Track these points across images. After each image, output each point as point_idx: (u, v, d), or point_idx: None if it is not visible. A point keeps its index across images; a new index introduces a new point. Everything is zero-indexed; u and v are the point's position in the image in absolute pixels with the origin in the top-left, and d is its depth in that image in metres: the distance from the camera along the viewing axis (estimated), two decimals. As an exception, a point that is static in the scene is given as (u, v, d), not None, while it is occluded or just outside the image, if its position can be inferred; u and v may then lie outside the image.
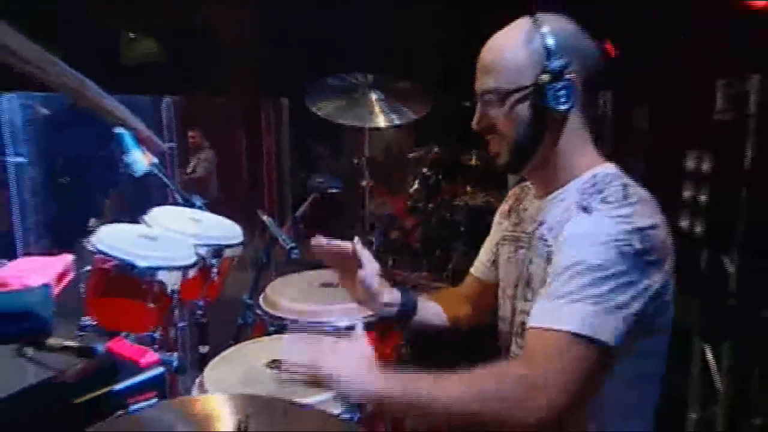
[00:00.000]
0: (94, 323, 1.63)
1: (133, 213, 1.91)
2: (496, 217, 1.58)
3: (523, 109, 1.25)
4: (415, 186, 4.57)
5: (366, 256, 1.50)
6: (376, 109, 2.91)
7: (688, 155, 2.86)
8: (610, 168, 1.29)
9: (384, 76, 2.99)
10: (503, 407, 1.08)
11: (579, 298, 1.09)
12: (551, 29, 1.23)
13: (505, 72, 1.25)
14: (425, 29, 3.68)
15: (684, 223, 2.85)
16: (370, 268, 1.49)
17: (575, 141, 1.29)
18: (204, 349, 2.17)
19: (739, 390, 2.92)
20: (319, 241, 1.51)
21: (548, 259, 1.25)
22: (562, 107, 1.21)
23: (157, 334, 1.67)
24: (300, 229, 2.54)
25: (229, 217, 2.20)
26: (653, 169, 3.09)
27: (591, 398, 1.16)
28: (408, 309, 1.55)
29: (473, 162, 4.86)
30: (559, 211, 1.28)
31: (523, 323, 1.31)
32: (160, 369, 1.21)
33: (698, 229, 2.81)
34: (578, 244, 1.15)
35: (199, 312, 1.97)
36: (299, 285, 2.18)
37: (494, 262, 1.55)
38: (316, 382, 1.22)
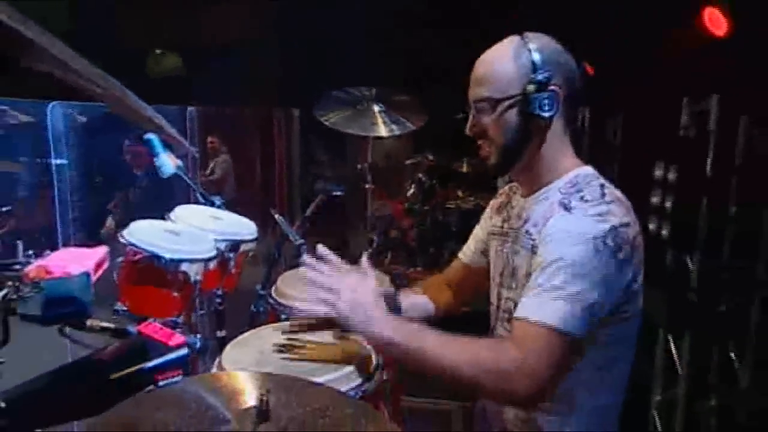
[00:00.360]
0: (126, 309, 1.64)
1: (147, 210, 1.92)
2: (487, 211, 1.60)
3: (512, 116, 1.28)
4: (412, 190, 4.60)
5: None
6: (379, 120, 2.94)
7: (656, 166, 2.89)
8: (589, 170, 1.33)
9: (386, 89, 3.02)
10: (496, 380, 1.14)
11: (559, 296, 1.14)
12: (537, 46, 1.27)
13: (496, 83, 1.29)
14: (424, 49, 3.71)
15: (652, 227, 2.88)
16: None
17: (557, 145, 1.32)
18: (221, 333, 2.18)
19: (698, 375, 2.95)
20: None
21: (532, 251, 1.28)
22: (546, 114, 1.24)
23: (180, 319, 1.68)
24: (308, 228, 2.55)
25: (244, 215, 2.22)
26: (625, 178, 3.11)
27: (563, 379, 1.23)
28: (392, 307, 1.52)
29: (465, 169, 4.90)
30: (543, 208, 1.31)
31: (509, 309, 1.36)
32: (185, 350, 1.23)
33: (664, 231, 2.84)
34: (560, 241, 1.19)
35: (218, 300, 1.98)
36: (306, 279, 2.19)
37: (483, 252, 1.57)
38: (329, 322, 1.28)
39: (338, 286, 1.24)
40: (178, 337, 1.22)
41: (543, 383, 1.14)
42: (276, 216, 2.28)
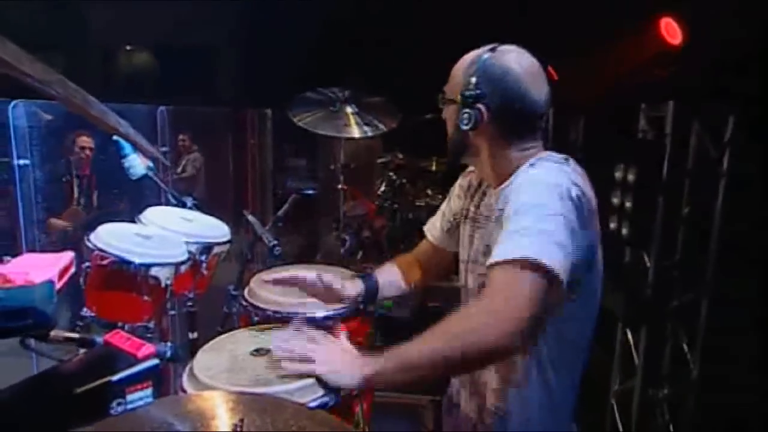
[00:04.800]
0: (93, 315, 1.54)
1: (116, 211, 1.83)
2: (455, 189, 1.55)
3: (452, 117, 1.32)
4: (382, 188, 4.54)
5: (326, 279, 1.53)
6: (352, 121, 2.86)
7: (616, 167, 2.91)
8: (552, 153, 1.29)
9: (358, 91, 2.95)
10: (472, 336, 1.04)
11: (527, 232, 1.08)
12: (489, 64, 1.26)
13: (450, 83, 1.32)
14: (395, 50, 3.65)
15: (612, 225, 2.89)
16: (328, 281, 1.53)
17: (500, 147, 1.29)
18: (193, 335, 2.09)
19: (652, 365, 2.99)
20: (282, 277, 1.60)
21: (498, 222, 1.23)
22: (464, 128, 1.25)
23: (151, 324, 1.59)
24: (281, 228, 2.46)
25: (215, 214, 2.12)
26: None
27: (542, 329, 1.17)
28: (372, 291, 1.56)
29: (433, 167, 4.87)
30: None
31: (483, 284, 1.29)
32: (155, 360, 1.14)
33: (624, 230, 2.85)
34: (525, 190, 1.16)
35: (189, 303, 1.88)
36: (280, 279, 2.10)
37: (448, 231, 1.54)
38: (306, 370, 1.20)
39: (311, 354, 1.20)
40: (148, 347, 1.13)
41: (522, 318, 1.02)
42: (249, 217, 2.18)
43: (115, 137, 1.62)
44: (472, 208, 1.45)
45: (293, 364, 1.21)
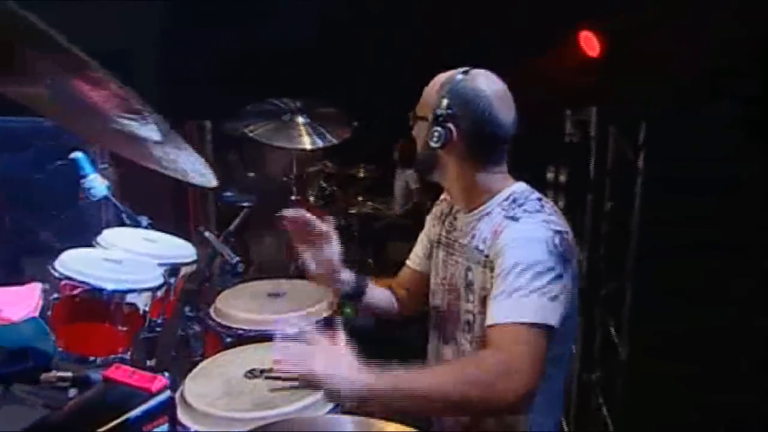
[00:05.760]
0: (61, 350, 1.40)
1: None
2: (430, 219, 1.63)
3: (422, 134, 1.39)
4: (312, 198, 4.49)
5: (334, 237, 1.51)
6: (303, 132, 2.82)
7: (548, 169, 3.11)
8: (523, 185, 1.40)
9: (310, 101, 2.91)
10: (486, 390, 1.11)
11: (527, 293, 1.17)
12: (461, 86, 1.33)
13: (422, 101, 1.40)
14: (330, 59, 3.63)
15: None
16: (336, 246, 1.51)
17: (468, 167, 1.37)
18: (151, 362, 1.96)
19: (586, 351, 3.22)
20: (297, 212, 1.52)
21: (485, 266, 1.32)
22: (433, 145, 1.33)
23: (127, 356, 1.47)
24: (233, 243, 2.37)
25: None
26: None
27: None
28: (361, 287, 1.57)
29: (361, 174, 4.88)
30: (488, 225, 1.35)
31: (468, 321, 1.40)
32: (168, 393, 1.07)
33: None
34: (515, 249, 1.23)
35: (158, 329, 1.76)
36: (247, 296, 2.04)
37: (429, 256, 1.60)
38: (307, 386, 1.19)
39: (310, 360, 1.16)
40: (160, 380, 1.06)
41: (531, 381, 1.12)
42: (206, 233, 2.08)
43: (73, 155, 1.49)
44: (444, 233, 1.54)
45: (291, 367, 1.18)
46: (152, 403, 1.02)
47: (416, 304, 1.69)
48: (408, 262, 1.70)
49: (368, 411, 1.19)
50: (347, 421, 0.70)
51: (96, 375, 1.12)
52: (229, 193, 3.11)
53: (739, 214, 2.57)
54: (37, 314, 1.19)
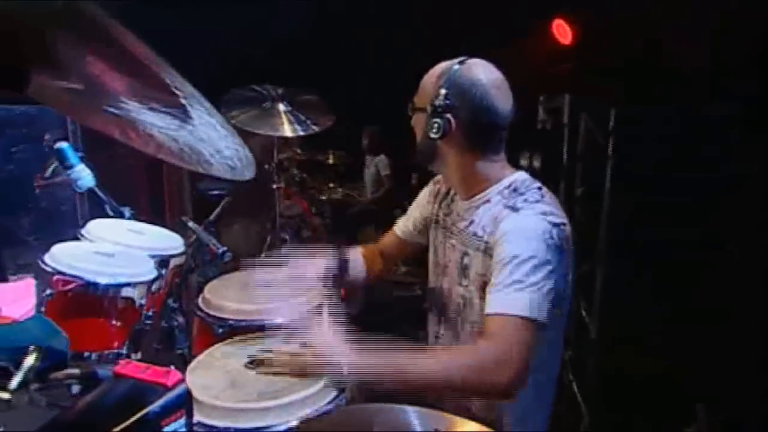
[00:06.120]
0: (54, 346, 1.36)
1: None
2: (425, 195, 1.66)
3: (420, 125, 1.39)
4: (283, 185, 4.46)
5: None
6: (284, 119, 2.77)
7: (522, 155, 3.17)
8: (524, 175, 1.42)
9: (292, 88, 2.85)
10: (481, 376, 1.18)
11: (521, 288, 1.22)
12: (458, 75, 1.33)
13: (419, 92, 1.41)
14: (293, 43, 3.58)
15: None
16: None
17: (467, 156, 1.39)
18: (137, 355, 1.92)
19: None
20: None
21: (485, 252, 1.35)
22: (433, 136, 1.34)
23: (124, 350, 1.44)
24: (213, 233, 2.32)
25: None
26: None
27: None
28: (343, 263, 1.63)
29: (331, 160, 4.88)
30: (488, 212, 1.38)
31: (460, 304, 1.45)
32: (184, 386, 1.06)
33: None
34: (514, 241, 1.26)
35: (148, 322, 1.72)
36: (237, 287, 2.01)
37: (418, 231, 1.66)
38: (305, 371, 1.25)
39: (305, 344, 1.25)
40: (174, 374, 1.04)
41: (522, 370, 1.19)
42: (190, 223, 2.04)
43: (58, 145, 1.43)
44: (441, 215, 1.56)
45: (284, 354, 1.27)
46: (169, 397, 1.00)
47: (387, 269, 1.78)
48: (395, 228, 1.74)
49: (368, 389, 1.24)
50: (411, 410, 0.72)
51: (104, 371, 1.09)
52: (203, 184, 3.04)
53: (730, 209, 2.65)
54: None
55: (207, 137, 0.78)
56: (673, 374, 2.76)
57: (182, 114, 0.76)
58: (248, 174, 0.88)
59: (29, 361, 0.73)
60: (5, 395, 0.67)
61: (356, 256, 1.70)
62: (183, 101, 0.72)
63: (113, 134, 0.88)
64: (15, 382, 0.69)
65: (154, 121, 0.85)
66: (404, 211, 1.78)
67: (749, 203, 2.48)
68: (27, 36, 0.58)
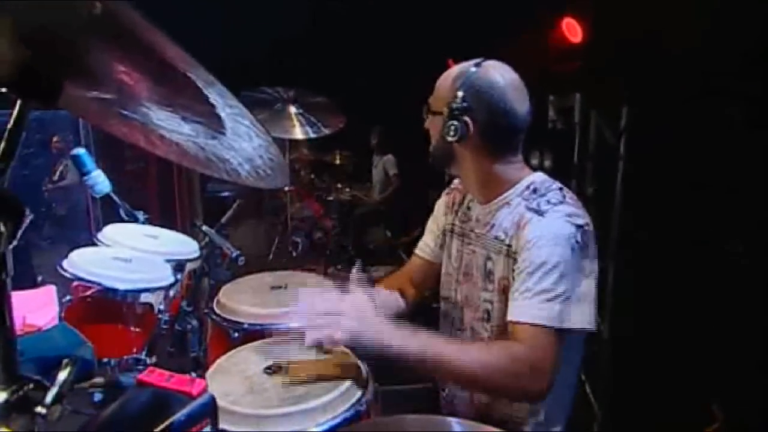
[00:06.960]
0: (73, 353, 1.36)
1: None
2: (440, 208, 1.63)
3: (437, 127, 1.37)
4: (293, 187, 4.46)
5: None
6: (295, 122, 2.76)
7: (532, 155, 3.16)
8: (542, 175, 1.40)
9: (303, 91, 2.84)
10: (512, 380, 1.18)
11: (551, 297, 1.21)
12: (475, 78, 1.31)
13: (435, 94, 1.39)
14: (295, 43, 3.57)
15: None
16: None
17: (485, 159, 1.37)
18: (152, 359, 1.92)
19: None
20: None
21: (508, 255, 1.33)
22: (450, 139, 1.32)
23: (143, 356, 1.44)
24: (225, 235, 2.32)
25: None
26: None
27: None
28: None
29: (338, 161, 4.87)
30: (509, 215, 1.35)
31: (487, 310, 1.41)
32: (209, 395, 1.05)
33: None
34: (542, 246, 1.25)
35: (165, 326, 1.72)
36: (251, 290, 2.00)
37: (441, 246, 1.60)
38: (334, 340, 1.21)
39: (338, 308, 1.22)
40: (199, 383, 1.03)
41: (552, 378, 1.19)
42: (203, 228, 2.03)
43: (74, 151, 1.43)
44: (457, 223, 1.54)
45: (315, 318, 1.23)
46: (195, 406, 1.00)
47: (420, 294, 1.70)
48: (418, 251, 1.69)
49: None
50: (454, 422, 0.72)
51: (127, 379, 1.09)
52: (211, 186, 3.04)
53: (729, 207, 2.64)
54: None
55: (238, 146, 0.77)
56: (686, 373, 2.74)
57: (215, 123, 0.76)
58: (281, 183, 0.88)
59: (63, 374, 0.72)
60: (42, 410, 0.66)
61: (386, 296, 1.58)
62: (218, 112, 0.71)
63: (138, 142, 0.88)
64: (50, 396, 0.68)
65: (183, 130, 0.84)
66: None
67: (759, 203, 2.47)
68: (63, 45, 0.57)
